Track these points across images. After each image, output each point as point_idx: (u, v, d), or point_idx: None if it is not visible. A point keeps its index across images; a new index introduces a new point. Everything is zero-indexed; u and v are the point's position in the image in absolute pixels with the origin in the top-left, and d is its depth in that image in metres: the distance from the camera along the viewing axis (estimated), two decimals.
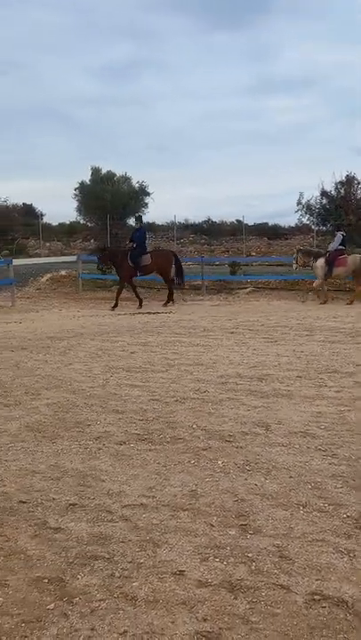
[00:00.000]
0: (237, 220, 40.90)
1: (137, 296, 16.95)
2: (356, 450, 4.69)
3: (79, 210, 36.68)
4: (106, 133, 77.97)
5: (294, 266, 17.85)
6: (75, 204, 36.51)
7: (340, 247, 16.94)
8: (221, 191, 69.87)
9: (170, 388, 6.79)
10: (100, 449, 4.86)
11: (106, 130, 79.17)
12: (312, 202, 29.31)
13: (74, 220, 40.26)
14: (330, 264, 16.62)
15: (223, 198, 67.85)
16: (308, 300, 17.27)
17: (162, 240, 39.18)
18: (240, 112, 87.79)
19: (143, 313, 15.32)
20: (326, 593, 2.83)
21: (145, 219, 36.92)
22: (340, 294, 17.94)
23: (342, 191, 29.01)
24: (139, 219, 18.66)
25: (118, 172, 35.92)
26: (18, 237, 36.09)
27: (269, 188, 74.37)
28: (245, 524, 3.53)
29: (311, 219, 30.18)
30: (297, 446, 4.81)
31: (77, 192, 35.58)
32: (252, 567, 3.06)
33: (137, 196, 35.07)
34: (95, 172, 35.67)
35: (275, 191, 71.70)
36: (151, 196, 35.81)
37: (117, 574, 3.03)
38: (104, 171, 35.89)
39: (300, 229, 35.91)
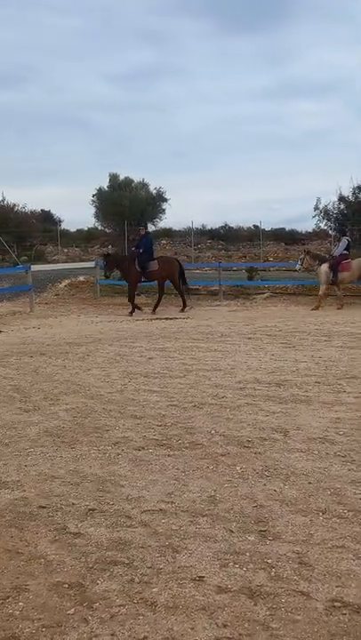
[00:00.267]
0: (255, 226, 40.86)
1: (132, 303, 16.88)
2: None
3: (97, 216, 36.84)
4: (123, 139, 78.23)
5: (298, 267, 17.79)
6: (92, 210, 36.67)
7: (345, 252, 16.89)
8: (239, 196, 69.88)
9: (188, 393, 6.79)
10: (118, 454, 4.88)
11: (123, 136, 79.38)
12: (330, 207, 29.22)
13: (92, 226, 40.47)
14: (334, 269, 16.57)
15: (241, 203, 67.80)
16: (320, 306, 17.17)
17: (179, 246, 39.23)
18: (259, 116, 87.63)
19: (161, 319, 15.33)
20: (347, 600, 2.82)
21: (162, 224, 37.12)
22: (359, 300, 17.85)
23: (360, 196, 28.86)
24: (144, 226, 18.80)
25: (136, 179, 36.03)
26: (36, 243, 36.29)
27: (288, 193, 74.04)
28: (265, 530, 3.52)
29: (329, 224, 30.08)
30: (316, 452, 4.79)
31: (95, 198, 35.74)
32: (272, 573, 3.06)
33: (154, 202, 35.13)
34: (113, 178, 35.81)
35: (293, 196, 71.63)
36: (168, 201, 35.85)
37: (137, 580, 3.03)
38: (122, 177, 36.01)
39: (317, 235, 35.79)
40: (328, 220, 29.65)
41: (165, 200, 35.78)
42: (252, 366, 8.27)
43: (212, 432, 5.36)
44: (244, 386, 7.07)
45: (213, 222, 45.73)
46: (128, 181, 35.66)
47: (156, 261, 17.07)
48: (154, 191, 35.77)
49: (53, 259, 33.48)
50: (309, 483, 4.20)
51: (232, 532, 3.52)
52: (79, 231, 43.25)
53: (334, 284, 16.81)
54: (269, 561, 3.18)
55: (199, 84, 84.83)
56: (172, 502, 3.94)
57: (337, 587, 2.93)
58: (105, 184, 35.91)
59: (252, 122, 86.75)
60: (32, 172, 74.83)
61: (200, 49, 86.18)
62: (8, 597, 2.91)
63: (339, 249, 17.06)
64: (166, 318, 15.32)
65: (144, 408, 6.22)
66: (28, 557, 3.30)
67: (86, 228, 42.12)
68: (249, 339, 11.03)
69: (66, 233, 41.52)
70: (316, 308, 16.55)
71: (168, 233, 41.91)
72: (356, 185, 28.79)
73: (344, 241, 17.14)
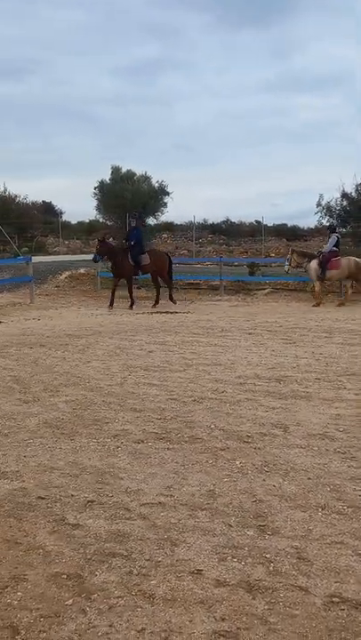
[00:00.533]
0: (256, 221, 40.82)
1: (112, 296, 16.55)
2: None
3: (98, 208, 36.70)
4: (127, 132, 78.19)
5: (286, 267, 17.74)
6: (94, 202, 36.56)
7: (334, 249, 16.85)
8: (241, 191, 69.65)
9: (188, 387, 6.79)
10: (118, 447, 4.88)
11: (127, 129, 79.39)
12: (332, 203, 29.16)
13: (93, 218, 40.35)
14: (323, 266, 16.54)
15: (243, 198, 67.69)
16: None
17: (180, 240, 39.20)
18: (262, 110, 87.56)
19: (161, 312, 15.32)
20: (345, 595, 2.82)
21: (163, 218, 36.97)
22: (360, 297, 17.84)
23: None
24: (138, 217, 18.49)
25: (138, 172, 35.88)
26: (37, 235, 36.26)
27: (290, 187, 74.05)
28: (264, 525, 3.52)
29: (331, 220, 30.02)
30: (316, 448, 4.79)
31: (97, 191, 35.63)
32: (271, 568, 3.06)
33: (156, 196, 34.99)
34: (115, 171, 35.65)
35: (295, 191, 71.43)
36: (171, 195, 35.72)
37: (135, 572, 3.03)
38: (124, 170, 35.88)
39: (319, 231, 35.73)
40: (330, 216, 29.57)
41: (168, 194, 35.61)
42: (252, 362, 8.26)
43: (212, 426, 5.36)
44: (245, 381, 7.06)
45: (215, 217, 45.77)
46: (130, 174, 35.51)
47: (147, 254, 16.96)
48: (156, 184, 35.61)
49: (54, 250, 33.46)
50: (309, 478, 4.20)
51: (231, 526, 3.52)
52: (80, 223, 43.17)
53: (322, 280, 16.84)
54: (268, 555, 3.18)
55: (203, 77, 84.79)
56: (171, 495, 3.94)
57: (336, 582, 2.93)
58: (107, 177, 35.81)
59: (256, 115, 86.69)
60: (34, 164, 74.79)
61: (204, 42, 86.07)
62: (6, 587, 2.91)
63: (328, 245, 17.02)
64: (167, 312, 15.31)
65: (144, 401, 6.21)
66: (27, 548, 3.30)
67: (87, 221, 42.03)
68: (249, 334, 11.02)
69: (67, 225, 41.47)
70: (318, 304, 16.54)
71: (169, 227, 41.82)
72: (359, 182, 28.75)
73: (334, 237, 17.09)
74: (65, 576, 3.01)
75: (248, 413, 5.75)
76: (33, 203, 42.14)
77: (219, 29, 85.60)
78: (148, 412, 5.83)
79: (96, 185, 35.47)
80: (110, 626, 2.61)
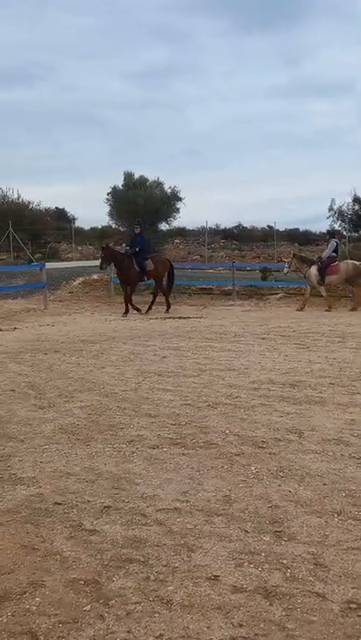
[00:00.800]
0: (268, 226, 40.84)
1: (129, 304, 16.54)
2: None
3: (111, 214, 36.83)
4: (138, 137, 78.49)
5: (285, 269, 17.77)
6: (107, 208, 36.68)
7: (333, 254, 16.92)
8: (250, 195, 69.81)
9: (202, 392, 6.80)
10: (133, 452, 4.89)
11: (138, 134, 79.69)
12: (344, 208, 29.15)
13: (105, 224, 40.48)
14: (322, 272, 16.62)
15: (252, 203, 67.76)
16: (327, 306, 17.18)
17: (192, 245, 39.25)
18: (272, 115, 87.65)
19: (174, 318, 15.33)
20: None
21: (176, 223, 37.03)
22: None
23: None
24: (139, 223, 18.59)
25: (151, 177, 36.01)
26: (50, 241, 36.42)
27: (302, 192, 74.14)
28: (280, 531, 3.52)
29: (343, 225, 30.01)
30: (331, 453, 4.78)
31: (110, 197, 35.75)
32: (287, 574, 3.06)
33: (169, 201, 35.08)
34: (128, 176, 35.78)
35: (307, 196, 71.37)
36: (183, 200, 35.79)
37: (152, 578, 3.04)
38: (136, 175, 36.00)
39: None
40: (342, 220, 29.59)
41: (180, 199, 35.70)
42: (265, 367, 8.26)
43: (227, 432, 5.36)
44: (259, 386, 7.06)
45: (227, 222, 45.80)
46: (143, 180, 35.62)
47: (150, 260, 17.02)
48: (168, 190, 35.73)
49: (67, 256, 33.61)
50: (324, 484, 4.19)
51: (247, 531, 3.52)
52: (93, 229, 43.34)
53: (322, 285, 16.94)
54: (285, 561, 3.18)
55: (213, 82, 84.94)
56: (186, 501, 3.95)
57: (353, 588, 2.92)
58: (120, 182, 35.93)
59: (266, 120, 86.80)
60: (44, 170, 75.14)
61: (214, 47, 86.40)
62: (25, 593, 2.93)
63: (328, 251, 17.09)
64: (180, 317, 15.32)
65: (158, 407, 6.23)
66: (44, 553, 3.32)
67: (100, 227, 42.17)
68: (263, 339, 11.01)
69: (80, 231, 41.67)
70: (329, 308, 16.54)
71: (182, 232, 41.93)
72: None
73: (333, 243, 17.18)
74: (82, 582, 3.03)
75: (263, 419, 5.75)
76: (46, 209, 42.43)
77: (228, 34, 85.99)
78: (162, 417, 5.85)
79: (109, 191, 35.60)
80: (128, 632, 2.62)
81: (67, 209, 46.09)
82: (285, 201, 70.50)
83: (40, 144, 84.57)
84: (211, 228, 40.24)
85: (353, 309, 16.55)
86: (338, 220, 29.67)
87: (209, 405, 6.24)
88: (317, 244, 36.95)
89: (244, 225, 44.50)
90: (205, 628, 2.63)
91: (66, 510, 3.86)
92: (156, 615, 2.73)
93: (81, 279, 22.15)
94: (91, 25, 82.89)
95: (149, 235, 31.06)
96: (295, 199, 71.60)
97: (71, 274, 22.74)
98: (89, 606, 2.82)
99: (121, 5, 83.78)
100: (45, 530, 3.60)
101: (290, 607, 2.78)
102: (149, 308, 16.79)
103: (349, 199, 29.36)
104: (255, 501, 3.93)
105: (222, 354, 9.40)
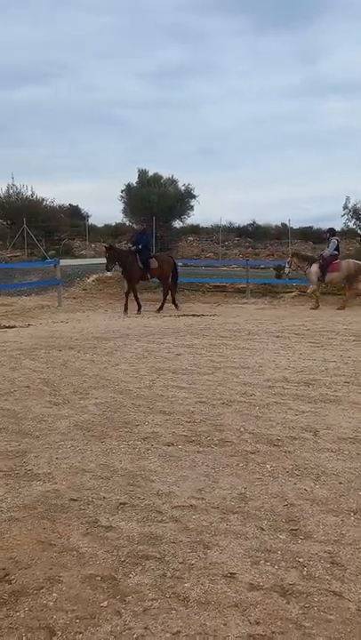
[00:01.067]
0: (283, 224, 40.73)
1: (137, 300, 16.59)
2: None
3: (125, 212, 36.90)
4: (153, 136, 78.49)
5: (286, 270, 17.78)
6: (121, 205, 36.75)
7: (335, 252, 16.91)
8: (263, 195, 69.62)
9: (216, 390, 6.80)
10: (148, 449, 4.90)
11: (153, 133, 79.70)
12: (359, 206, 29.02)
13: (119, 221, 40.55)
14: (323, 269, 16.61)
15: (265, 202, 67.59)
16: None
17: (206, 242, 39.21)
18: (289, 114, 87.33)
19: (188, 315, 15.34)
20: None
21: (190, 221, 37.05)
22: None
23: None
24: (145, 222, 18.63)
25: (165, 175, 36.01)
26: (64, 238, 36.50)
27: (317, 191, 73.80)
28: (296, 529, 3.52)
29: (358, 223, 29.87)
30: (346, 452, 4.77)
31: (124, 194, 35.81)
32: (304, 572, 3.05)
33: (183, 199, 35.09)
34: (142, 174, 35.84)
35: (322, 195, 71.10)
36: (197, 198, 35.77)
37: (169, 574, 3.05)
38: (151, 173, 36.04)
39: (345, 234, 35.54)
40: (357, 219, 29.45)
41: (194, 197, 35.71)
42: (280, 365, 8.24)
43: (242, 430, 5.36)
44: (273, 384, 7.05)
45: (241, 220, 45.70)
46: (157, 177, 35.66)
47: (154, 258, 17.02)
48: (182, 188, 35.73)
49: (81, 253, 33.67)
50: (340, 483, 4.18)
51: (263, 529, 3.52)
52: (107, 226, 43.38)
53: (322, 283, 16.94)
54: (301, 560, 3.17)
55: (230, 81, 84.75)
56: (202, 498, 3.95)
57: None
58: (134, 180, 35.97)
59: (282, 120, 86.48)
60: (60, 169, 75.31)
61: (231, 47, 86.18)
62: (42, 588, 2.95)
63: (329, 249, 17.08)
64: (193, 315, 15.33)
65: (173, 404, 6.23)
66: (61, 549, 3.33)
67: (114, 224, 42.23)
68: (277, 337, 10.99)
69: (93, 228, 41.71)
70: (342, 307, 16.52)
71: (195, 229, 41.89)
72: None
73: (334, 241, 17.18)
74: (99, 578, 3.03)
75: (277, 417, 5.74)
76: (60, 206, 42.48)
77: (243, 34, 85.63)
78: (177, 414, 5.85)
79: (123, 188, 35.65)
80: (145, 628, 2.63)
81: (80, 206, 46.18)
82: (299, 200, 70.30)
83: (56, 143, 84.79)
84: (225, 226, 40.25)
85: (341, 308, 16.52)
86: (352, 218, 29.53)
87: (223, 403, 6.24)
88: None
89: (258, 223, 44.42)
90: (222, 625, 2.63)
91: (82, 506, 3.87)
92: (173, 612, 2.74)
93: (95, 276, 22.20)
94: (108, 24, 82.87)
95: (163, 232, 31.12)
96: (308, 199, 71.40)
97: (85, 271, 22.79)
98: (106, 602, 2.82)
99: (138, 5, 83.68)
100: (62, 526, 3.61)
101: (307, 605, 2.77)
102: (161, 307, 16.82)
103: None
104: (271, 499, 3.93)
105: (236, 352, 9.40)
